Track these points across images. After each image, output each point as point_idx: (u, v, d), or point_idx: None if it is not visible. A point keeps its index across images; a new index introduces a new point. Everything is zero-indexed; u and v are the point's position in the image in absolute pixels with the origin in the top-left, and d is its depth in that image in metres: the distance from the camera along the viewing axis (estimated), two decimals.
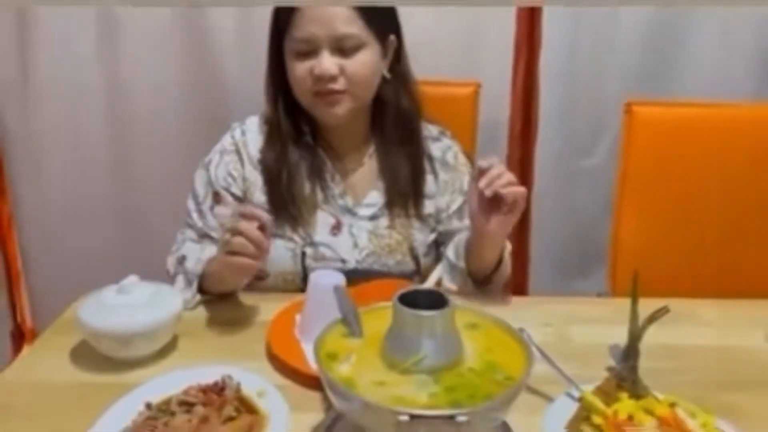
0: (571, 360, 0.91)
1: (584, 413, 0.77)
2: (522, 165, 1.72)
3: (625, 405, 0.76)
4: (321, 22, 1.10)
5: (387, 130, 1.23)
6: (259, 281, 1.19)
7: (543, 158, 1.74)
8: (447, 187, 1.28)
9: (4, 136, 1.78)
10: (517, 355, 0.71)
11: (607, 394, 0.79)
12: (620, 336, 0.86)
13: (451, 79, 1.48)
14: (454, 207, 1.28)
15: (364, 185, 1.25)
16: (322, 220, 1.22)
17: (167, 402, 0.81)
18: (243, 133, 1.24)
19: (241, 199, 1.22)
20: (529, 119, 1.70)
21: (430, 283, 1.12)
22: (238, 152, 1.23)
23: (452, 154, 1.29)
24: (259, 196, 1.21)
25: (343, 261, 1.20)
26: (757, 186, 1.36)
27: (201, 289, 1.13)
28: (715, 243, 1.38)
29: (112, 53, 1.69)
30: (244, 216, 1.00)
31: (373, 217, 1.24)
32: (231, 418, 0.78)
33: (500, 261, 1.17)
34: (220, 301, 1.13)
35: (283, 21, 1.14)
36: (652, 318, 0.83)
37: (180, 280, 1.14)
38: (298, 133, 1.21)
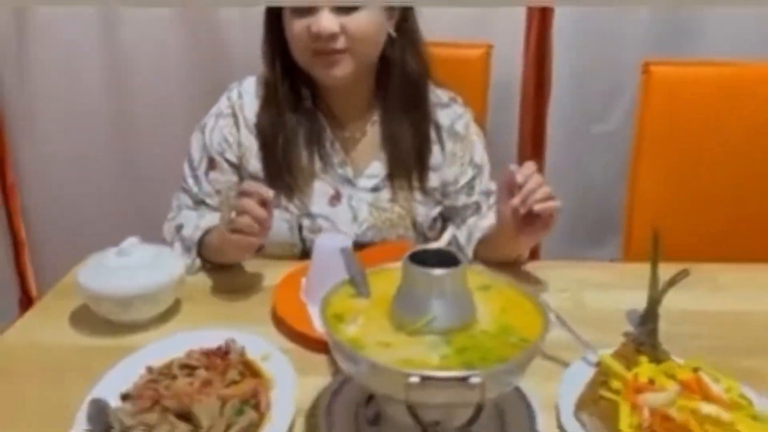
0: (585, 325, 0.88)
1: (602, 378, 0.74)
2: (534, 128, 1.66)
3: (646, 369, 0.74)
4: None
5: (392, 94, 1.16)
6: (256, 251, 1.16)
7: (556, 122, 1.69)
8: (455, 159, 1.21)
9: (2, 100, 1.77)
10: (533, 317, 0.67)
11: (626, 358, 0.76)
12: (635, 302, 0.84)
13: (462, 40, 1.43)
14: (462, 181, 1.22)
15: (366, 155, 1.19)
16: (320, 189, 1.16)
17: (169, 365, 0.78)
18: (240, 95, 1.18)
19: (236, 166, 1.18)
20: (542, 82, 1.65)
21: (442, 243, 1.08)
22: (234, 115, 1.17)
23: (463, 124, 1.22)
24: (255, 162, 1.16)
25: None
26: None
27: (200, 257, 1.10)
28: (733, 205, 1.35)
29: (115, 19, 1.67)
30: (246, 194, 0.96)
31: (374, 189, 1.18)
32: (234, 382, 0.76)
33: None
34: (223, 268, 1.11)
35: None
36: (673, 281, 0.81)
37: (178, 246, 1.11)
38: (296, 96, 1.15)
